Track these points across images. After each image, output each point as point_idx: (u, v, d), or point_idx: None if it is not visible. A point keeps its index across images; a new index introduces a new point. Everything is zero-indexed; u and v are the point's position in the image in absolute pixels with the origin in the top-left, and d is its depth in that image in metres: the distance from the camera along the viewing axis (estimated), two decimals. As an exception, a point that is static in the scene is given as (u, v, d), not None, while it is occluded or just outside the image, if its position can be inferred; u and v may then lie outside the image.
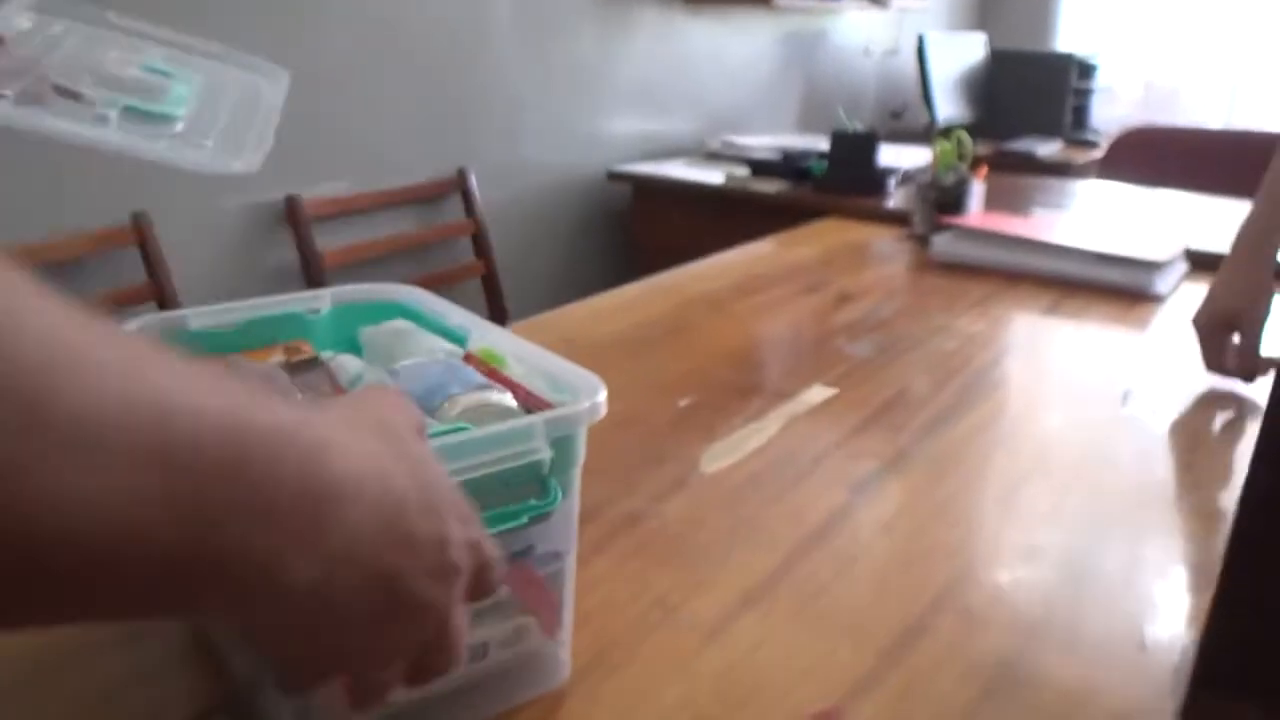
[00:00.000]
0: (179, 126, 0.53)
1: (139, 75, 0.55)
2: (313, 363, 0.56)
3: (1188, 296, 1.34)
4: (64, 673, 0.54)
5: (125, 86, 0.53)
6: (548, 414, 0.48)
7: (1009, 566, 0.68)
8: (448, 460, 0.40)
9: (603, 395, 0.49)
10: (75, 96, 0.51)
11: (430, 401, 0.50)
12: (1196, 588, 0.67)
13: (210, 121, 0.53)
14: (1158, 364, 1.08)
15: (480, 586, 0.38)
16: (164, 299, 1.62)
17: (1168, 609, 0.64)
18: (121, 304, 1.58)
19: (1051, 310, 1.30)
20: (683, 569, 0.66)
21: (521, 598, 0.51)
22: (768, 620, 0.61)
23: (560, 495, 0.48)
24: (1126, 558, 0.70)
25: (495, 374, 0.55)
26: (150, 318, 0.58)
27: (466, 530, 0.36)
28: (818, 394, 0.98)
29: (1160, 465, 0.85)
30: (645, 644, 0.58)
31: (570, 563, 0.53)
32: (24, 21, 0.51)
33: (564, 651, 0.55)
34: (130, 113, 0.52)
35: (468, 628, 0.38)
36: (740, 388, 0.99)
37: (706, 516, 0.73)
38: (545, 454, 0.46)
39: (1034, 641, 0.60)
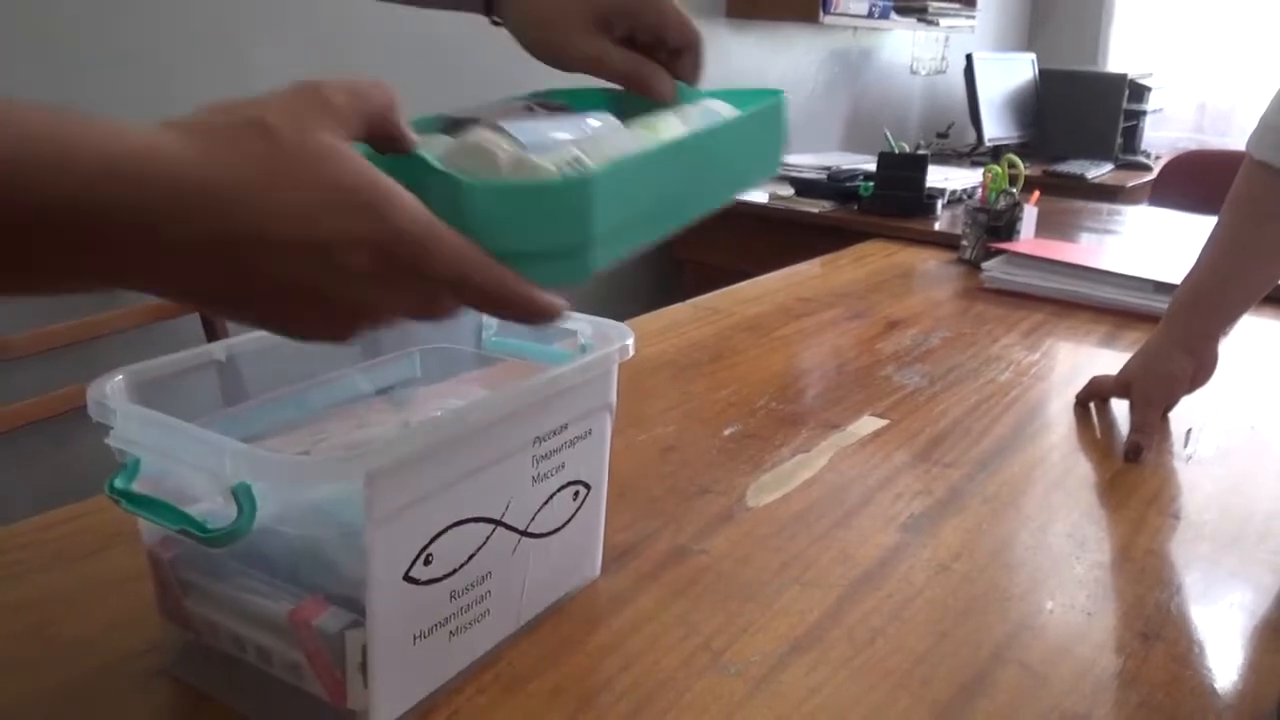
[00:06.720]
0: None
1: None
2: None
3: (1249, 328, 1.30)
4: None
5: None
6: None
7: (1073, 615, 0.65)
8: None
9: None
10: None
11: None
12: (1278, 645, 0.63)
13: None
14: (1220, 400, 1.03)
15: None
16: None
17: (1249, 666, 0.61)
18: (164, 315, 1.59)
19: (1108, 341, 1.26)
20: (729, 610, 0.64)
21: (303, 650, 0.47)
22: (819, 669, 0.58)
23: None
24: (1202, 610, 0.67)
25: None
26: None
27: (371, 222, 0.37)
28: (867, 425, 0.95)
29: (1230, 508, 0.81)
30: (690, 691, 0.56)
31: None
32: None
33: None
34: None
35: None
36: (786, 417, 0.96)
37: (753, 554, 0.71)
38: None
39: (1102, 699, 0.57)
